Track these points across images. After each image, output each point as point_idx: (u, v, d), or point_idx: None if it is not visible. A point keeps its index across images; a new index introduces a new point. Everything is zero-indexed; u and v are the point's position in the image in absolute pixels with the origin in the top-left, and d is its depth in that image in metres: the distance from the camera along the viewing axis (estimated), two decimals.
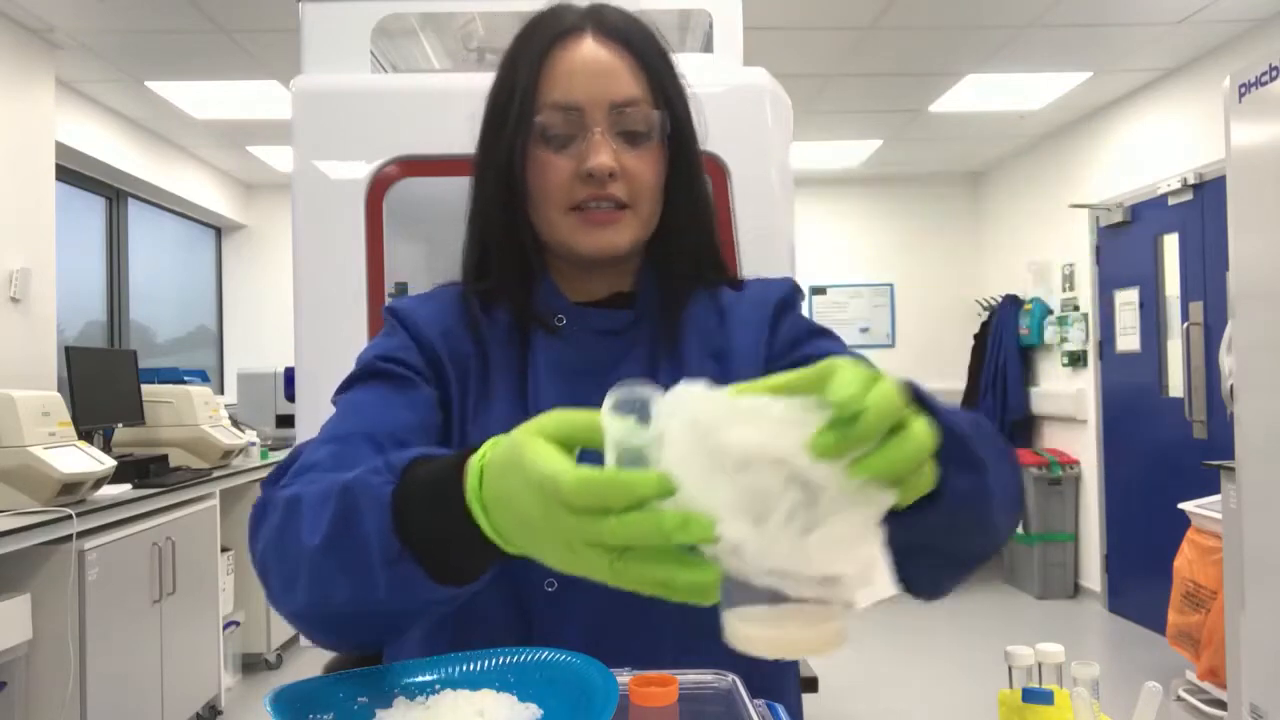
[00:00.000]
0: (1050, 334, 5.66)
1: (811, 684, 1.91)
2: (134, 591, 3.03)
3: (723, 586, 0.49)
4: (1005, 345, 5.97)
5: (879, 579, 0.49)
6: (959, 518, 0.66)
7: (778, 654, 0.51)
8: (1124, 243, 5.01)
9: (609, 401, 0.53)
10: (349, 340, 1.83)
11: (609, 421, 0.52)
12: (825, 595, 0.49)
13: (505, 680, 0.78)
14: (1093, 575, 5.36)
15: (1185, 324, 4.36)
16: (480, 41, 2.32)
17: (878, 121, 5.40)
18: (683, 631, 0.83)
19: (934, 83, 4.69)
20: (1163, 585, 3.73)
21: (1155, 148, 4.71)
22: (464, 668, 0.81)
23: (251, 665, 4.20)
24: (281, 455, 4.35)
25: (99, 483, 2.89)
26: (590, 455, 0.53)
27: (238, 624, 4.03)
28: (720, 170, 1.81)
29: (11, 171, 3.70)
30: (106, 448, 3.54)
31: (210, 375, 5.89)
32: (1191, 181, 4.35)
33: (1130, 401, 5.01)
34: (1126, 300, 5.02)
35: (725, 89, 1.88)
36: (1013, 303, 6.04)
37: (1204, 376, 4.22)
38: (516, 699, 0.74)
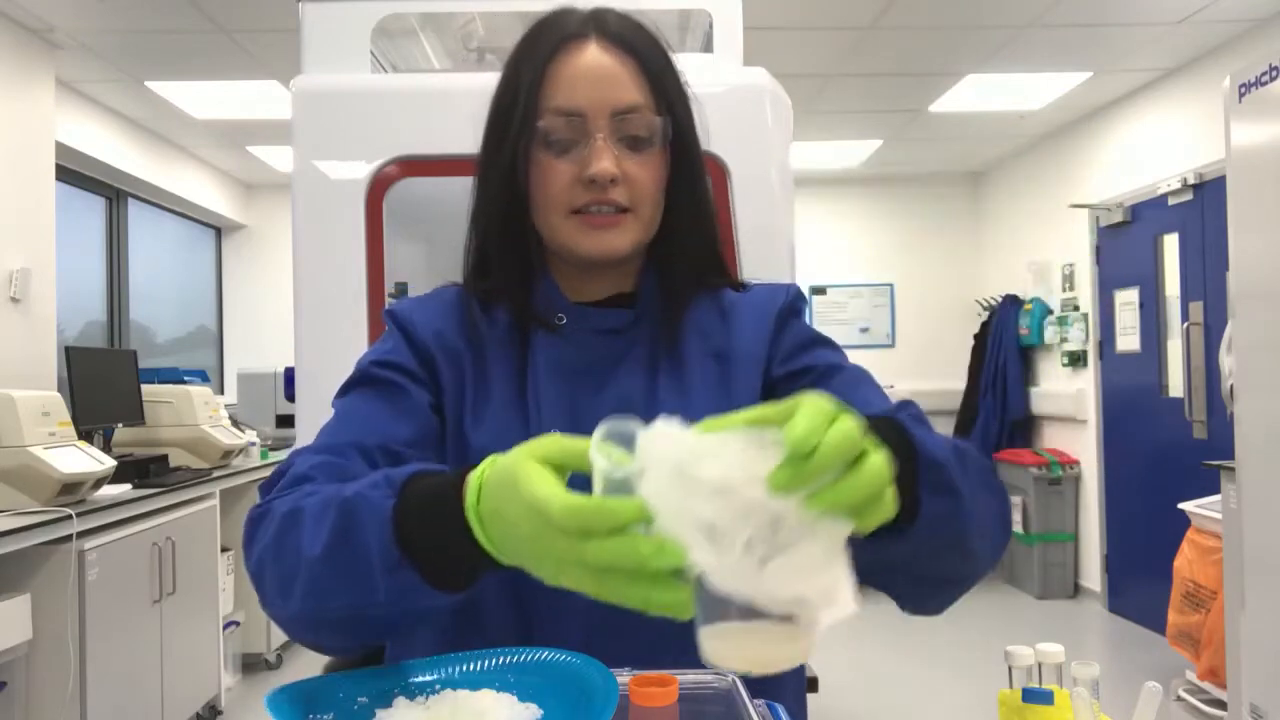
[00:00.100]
0: (1050, 334, 5.66)
1: (811, 684, 1.91)
2: (134, 591, 3.03)
3: (697, 603, 0.54)
4: (1005, 345, 5.97)
5: (841, 599, 0.52)
6: (934, 541, 0.70)
7: (745, 669, 0.56)
8: (1124, 243, 5.02)
9: (598, 433, 0.58)
10: (349, 340, 1.83)
11: (596, 455, 0.57)
12: (790, 614, 0.53)
13: (505, 680, 0.78)
14: (1093, 575, 5.36)
15: (1185, 324, 4.36)
16: (480, 41, 2.32)
17: (878, 121, 5.40)
18: (683, 631, 0.83)
19: (934, 83, 4.69)
20: (1163, 585, 3.73)
21: (1155, 148, 4.71)
22: (464, 668, 0.81)
23: (251, 665, 4.20)
24: (281, 455, 4.37)
25: (99, 483, 2.89)
26: (580, 479, 0.59)
27: (238, 624, 4.03)
28: (720, 170, 1.81)
29: (11, 171, 3.70)
30: (106, 448, 3.54)
31: (210, 375, 5.89)
32: (1191, 181, 4.35)
33: (1130, 401, 5.01)
34: (1126, 300, 5.02)
35: (725, 89, 1.88)
36: (1013, 303, 6.04)
37: (1204, 376, 4.22)
38: (516, 699, 0.74)
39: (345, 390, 0.94)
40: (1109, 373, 5.20)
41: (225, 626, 3.82)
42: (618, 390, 0.95)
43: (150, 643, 3.12)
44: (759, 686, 0.77)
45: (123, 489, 3.11)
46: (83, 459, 2.80)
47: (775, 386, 0.96)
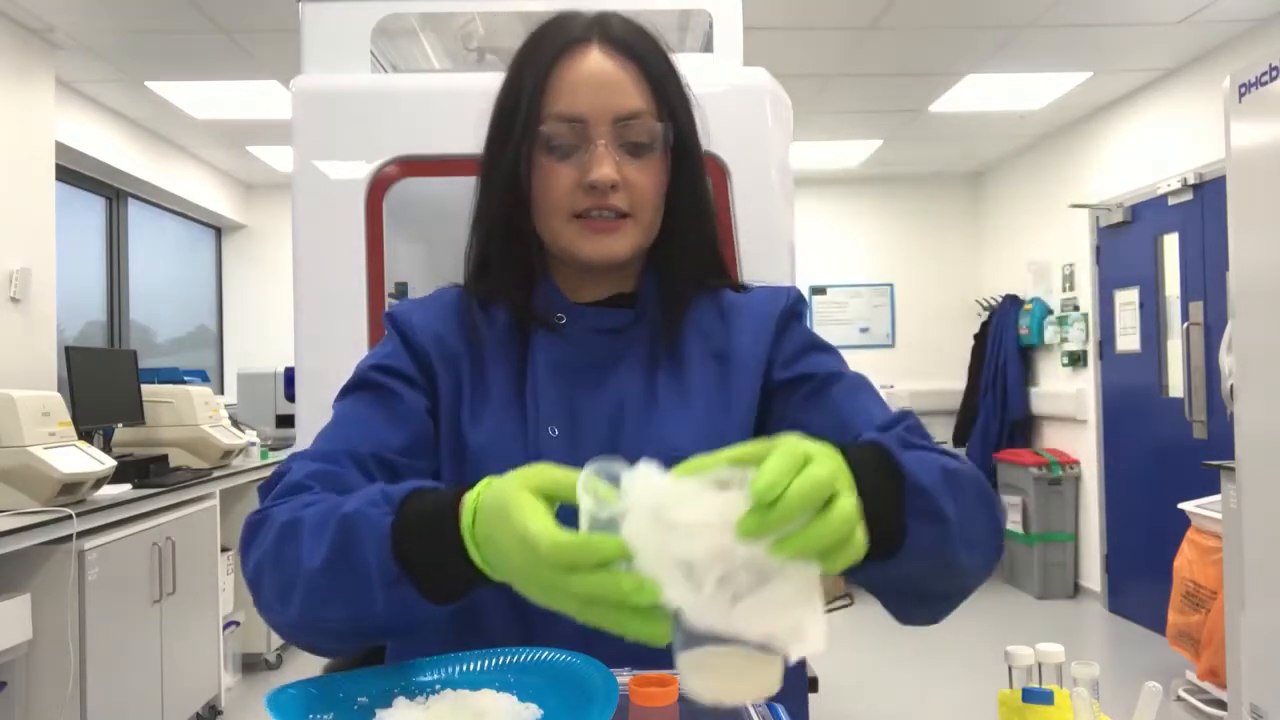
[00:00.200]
0: (1050, 334, 5.66)
1: (812, 684, 1.91)
2: (134, 591, 3.03)
3: (676, 634, 0.57)
4: (1005, 345, 5.97)
5: (811, 637, 0.55)
6: (922, 565, 0.72)
7: (716, 699, 0.58)
8: (1124, 243, 5.02)
9: (585, 472, 0.62)
10: (349, 340, 1.83)
11: (582, 494, 0.61)
12: (760, 647, 0.56)
13: (505, 680, 0.78)
14: (1093, 575, 5.36)
15: (1185, 324, 4.36)
16: (480, 41, 2.32)
17: (878, 121, 5.40)
18: None
19: (934, 83, 4.69)
20: (1163, 585, 3.73)
21: (1155, 148, 4.71)
22: (464, 668, 0.81)
23: (251, 665, 4.20)
24: (281, 455, 4.37)
25: (99, 483, 2.89)
26: (568, 510, 0.63)
27: (238, 624, 4.03)
28: (720, 170, 1.81)
29: (11, 171, 3.70)
30: (106, 448, 3.54)
31: (210, 375, 5.89)
32: (1191, 181, 4.35)
33: (1130, 401, 5.01)
34: (1126, 300, 5.02)
35: (725, 89, 1.88)
36: (1013, 303, 6.04)
37: (1204, 376, 4.22)
38: (516, 699, 0.74)
39: (344, 394, 0.96)
40: (1109, 373, 5.20)
41: (225, 626, 3.82)
42: (616, 389, 0.95)
43: (150, 643, 3.12)
44: None
45: (123, 489, 3.11)
46: (83, 459, 2.80)
47: (775, 391, 0.96)
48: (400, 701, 0.74)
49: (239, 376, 5.35)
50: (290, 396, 1.99)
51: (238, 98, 4.69)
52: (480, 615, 0.88)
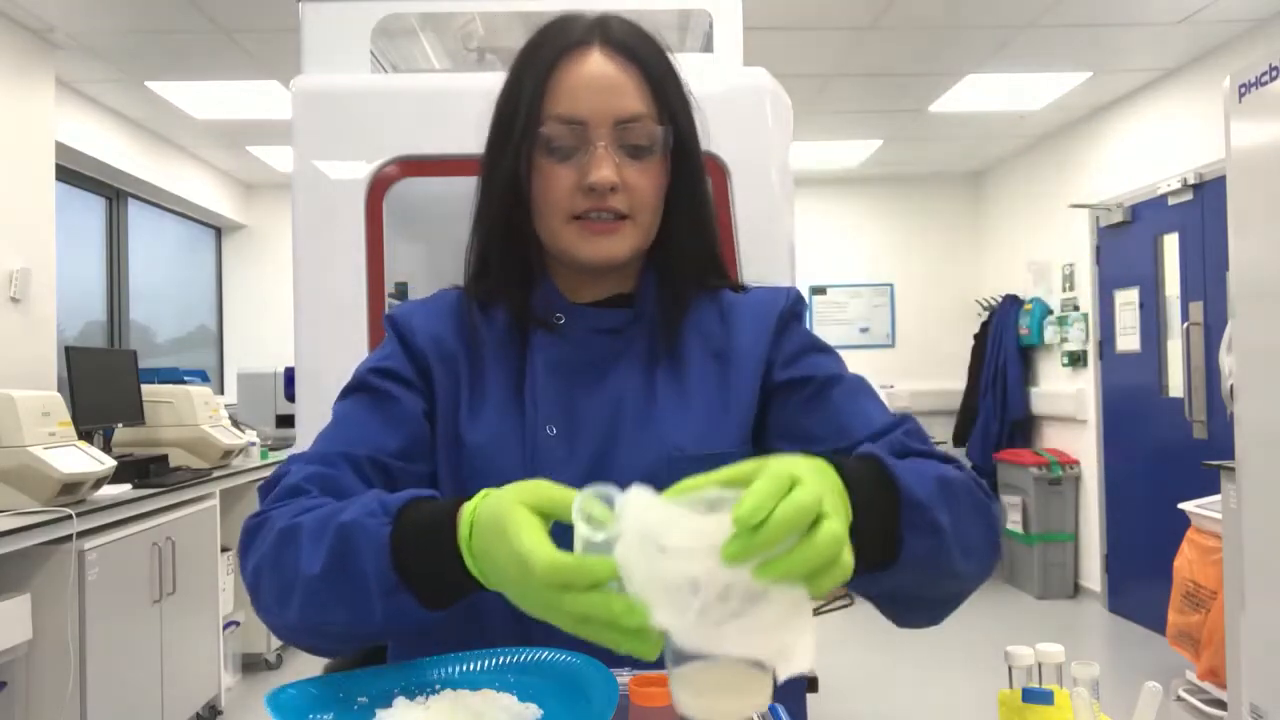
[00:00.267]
0: (1050, 334, 5.66)
1: (812, 684, 1.91)
2: (134, 591, 3.03)
3: (667, 652, 0.58)
4: (1005, 345, 5.97)
5: (798, 658, 0.56)
6: (919, 575, 0.73)
7: (708, 716, 0.60)
8: (1124, 243, 5.02)
9: (580, 496, 0.63)
10: (349, 340, 1.83)
11: (577, 519, 0.62)
12: (748, 665, 0.57)
13: (505, 680, 0.78)
14: (1093, 575, 5.36)
15: (1185, 324, 4.36)
16: (480, 41, 2.32)
17: (878, 121, 5.40)
18: None
19: (934, 83, 4.69)
20: (1163, 585, 3.73)
21: (1155, 148, 4.71)
22: (464, 668, 0.81)
23: (251, 665, 4.20)
24: (281, 455, 4.37)
25: (99, 483, 2.89)
26: (563, 527, 0.64)
27: (238, 624, 4.03)
28: (720, 170, 1.81)
29: (11, 171, 3.70)
30: (106, 448, 3.54)
31: (210, 375, 5.89)
32: (1191, 181, 4.35)
33: (1130, 401, 5.01)
34: (1126, 300, 5.02)
35: (725, 89, 1.88)
36: (1013, 303, 6.04)
37: (1204, 376, 4.22)
38: (516, 699, 0.74)
39: (343, 396, 0.97)
40: (1109, 373, 5.20)
41: (225, 626, 3.82)
42: (615, 389, 0.95)
43: (150, 643, 3.12)
44: None
45: (123, 489, 3.11)
46: (83, 459, 2.80)
47: (775, 392, 0.96)
48: (400, 701, 0.74)
49: (239, 376, 5.35)
50: (290, 396, 1.99)
51: (238, 98, 4.69)
52: (481, 615, 0.88)
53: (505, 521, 0.64)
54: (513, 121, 0.94)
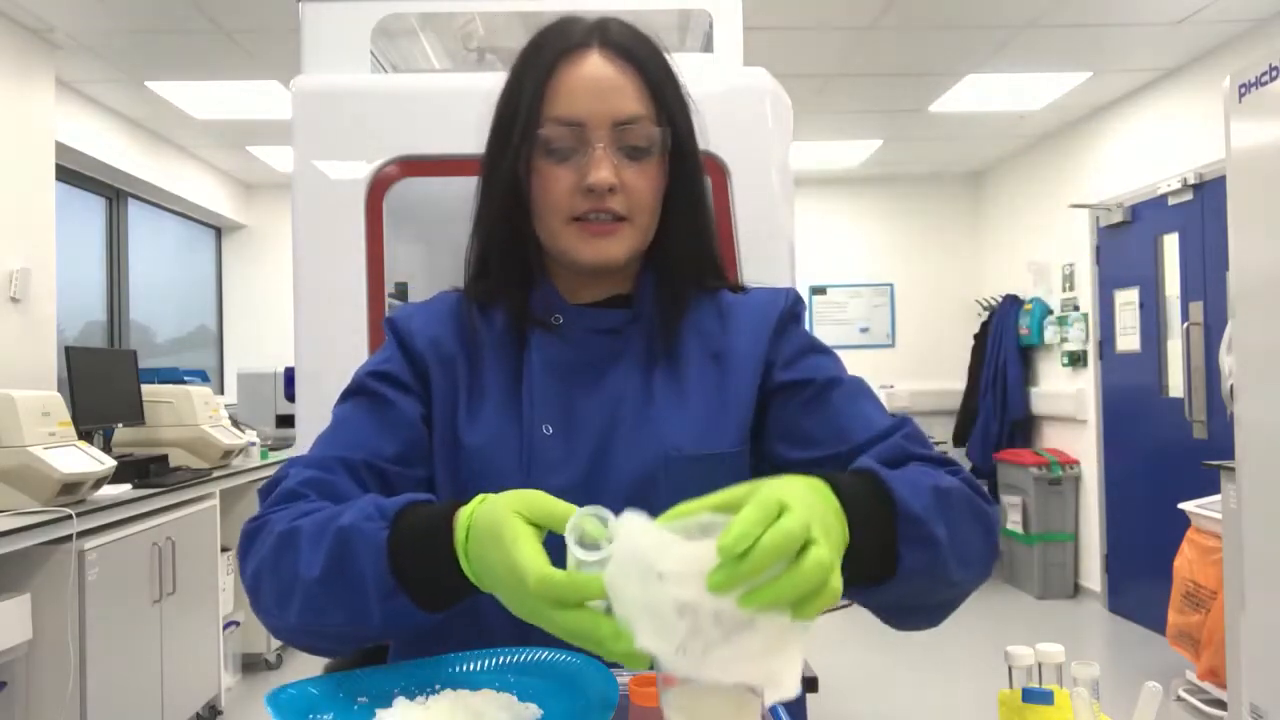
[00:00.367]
0: (1050, 334, 5.66)
1: (812, 684, 1.91)
2: (134, 591, 3.03)
3: (657, 668, 0.59)
4: (1005, 345, 5.97)
5: (785, 683, 0.56)
6: (916, 586, 0.74)
7: None
8: (1124, 243, 5.02)
9: (575, 517, 0.65)
10: (349, 340, 1.83)
11: (571, 544, 0.64)
12: (737, 688, 0.58)
13: (505, 680, 0.78)
14: (1093, 575, 5.36)
15: (1185, 324, 4.36)
16: (480, 41, 2.32)
17: (878, 121, 5.40)
18: None
19: (934, 83, 4.69)
20: (1163, 585, 3.73)
21: (1155, 148, 4.71)
22: (464, 668, 0.81)
23: (251, 665, 4.20)
24: (281, 455, 4.37)
25: (99, 483, 2.89)
26: (555, 538, 0.66)
27: (238, 624, 4.03)
28: (720, 170, 1.81)
29: (11, 171, 3.70)
30: (106, 448, 3.54)
31: (210, 375, 5.89)
32: (1191, 181, 4.35)
33: (1130, 401, 5.01)
34: (1126, 300, 5.02)
35: (725, 89, 1.88)
36: (1013, 303, 6.04)
37: (1204, 376, 4.22)
38: (516, 699, 0.74)
39: (342, 399, 0.98)
40: (1109, 373, 5.20)
41: (225, 626, 3.82)
42: (613, 388, 0.95)
43: (150, 643, 3.12)
44: None
45: (123, 489, 3.11)
46: (83, 459, 2.80)
47: (774, 393, 0.97)
48: (400, 701, 0.74)
49: (239, 376, 5.35)
50: (290, 396, 1.99)
51: (238, 98, 4.69)
52: (481, 616, 0.88)
53: (501, 530, 0.66)
54: (512, 123, 0.94)
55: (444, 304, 1.03)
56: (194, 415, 3.82)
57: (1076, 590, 5.49)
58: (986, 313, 6.33)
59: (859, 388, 0.96)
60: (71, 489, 2.73)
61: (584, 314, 0.98)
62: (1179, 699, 3.62)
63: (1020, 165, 6.16)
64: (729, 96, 1.87)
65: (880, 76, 4.59)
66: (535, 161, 0.93)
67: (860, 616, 0.69)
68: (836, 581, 0.58)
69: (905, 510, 0.72)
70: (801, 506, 0.58)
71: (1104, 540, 5.24)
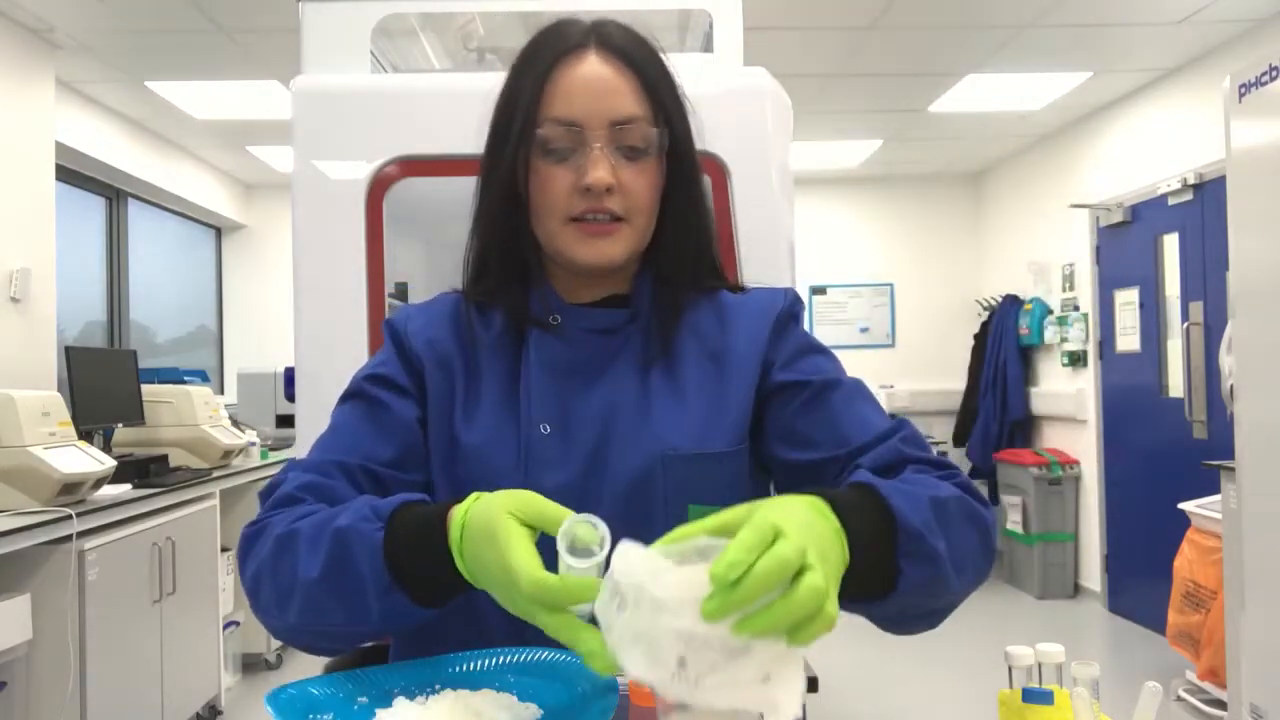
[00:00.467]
0: (1050, 334, 5.66)
1: (811, 684, 1.91)
2: (134, 591, 3.03)
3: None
4: (1005, 345, 5.97)
5: (783, 709, 0.55)
6: (915, 599, 0.75)
7: None
8: (1124, 243, 5.02)
9: (566, 524, 0.66)
10: (349, 340, 1.83)
11: (562, 549, 0.65)
12: (732, 714, 0.57)
13: (505, 680, 0.78)
14: (1093, 575, 5.36)
15: (1185, 324, 4.36)
16: (480, 41, 2.32)
17: (878, 121, 5.40)
18: None
19: (934, 83, 4.69)
20: (1163, 585, 3.73)
21: (1155, 148, 4.71)
22: (464, 667, 0.81)
23: (251, 665, 4.20)
24: (281, 455, 4.37)
25: (99, 483, 2.89)
26: (549, 539, 0.67)
27: (238, 624, 4.03)
28: (720, 170, 1.81)
29: (11, 171, 3.70)
30: (106, 448, 3.54)
31: (210, 375, 5.89)
32: (1191, 181, 4.35)
33: (1130, 401, 5.01)
34: (1126, 300, 5.02)
35: (725, 89, 1.88)
36: (1013, 303, 6.04)
37: (1204, 376, 4.22)
38: (516, 699, 0.74)
39: (341, 402, 0.99)
40: (1109, 373, 5.20)
41: (225, 626, 3.82)
42: (610, 388, 0.95)
43: (150, 643, 3.12)
44: None
45: (123, 489, 3.11)
46: (83, 459, 2.80)
47: (773, 394, 0.97)
48: (400, 701, 0.74)
49: (239, 376, 5.35)
50: (290, 396, 1.99)
51: (238, 98, 4.69)
52: (480, 615, 0.88)
53: (495, 529, 0.68)
54: (510, 124, 0.95)
55: (443, 305, 1.03)
56: (194, 415, 3.82)
57: (1076, 590, 5.49)
58: (986, 313, 6.33)
59: (857, 390, 0.96)
60: (71, 489, 2.73)
61: (582, 314, 0.99)
62: (1179, 699, 3.62)
63: (1020, 165, 6.16)
64: (729, 96, 1.87)
65: (880, 76, 4.59)
66: (533, 162, 0.94)
67: (860, 616, 0.69)
68: (832, 608, 0.57)
69: (905, 526, 0.72)
70: (797, 531, 0.58)
71: (1104, 540, 5.24)
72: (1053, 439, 5.78)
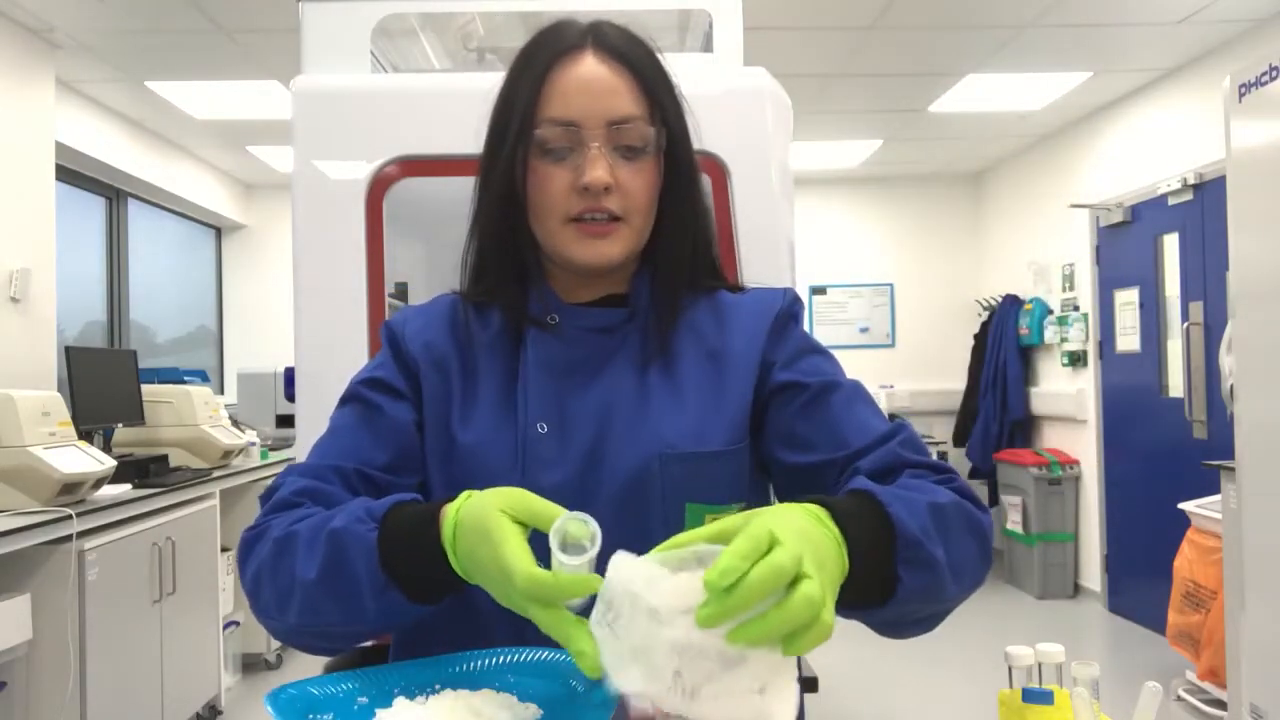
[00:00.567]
0: (1050, 334, 5.66)
1: (811, 684, 1.91)
2: (134, 591, 3.03)
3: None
4: (1005, 345, 5.97)
5: (779, 717, 0.55)
6: (914, 604, 0.75)
7: None
8: (1124, 243, 5.02)
9: (558, 522, 0.66)
10: (349, 340, 1.83)
11: (555, 548, 0.65)
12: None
13: (505, 680, 0.78)
14: (1093, 575, 5.36)
15: (1185, 324, 4.36)
16: (480, 41, 2.32)
17: (878, 121, 5.40)
18: None
19: (934, 83, 4.69)
20: (1163, 585, 3.73)
21: (1155, 148, 4.71)
22: (464, 667, 0.81)
23: (251, 665, 4.20)
24: (282, 455, 4.37)
25: (99, 483, 2.89)
26: (541, 535, 0.68)
27: (238, 624, 4.03)
28: (720, 170, 1.81)
29: (11, 171, 3.70)
30: (106, 448, 3.54)
31: (210, 375, 5.89)
32: (1191, 181, 4.35)
33: (1130, 401, 5.01)
34: (1126, 300, 5.02)
35: (725, 89, 1.88)
36: (1013, 303, 6.04)
37: (1204, 376, 4.22)
38: (516, 699, 0.74)
39: (340, 405, 1.00)
40: (1109, 373, 5.20)
41: (225, 626, 3.82)
42: (608, 387, 0.96)
43: (150, 643, 3.12)
44: None
45: (123, 489, 3.11)
46: (83, 459, 2.80)
47: (772, 394, 0.97)
48: (400, 701, 0.74)
49: (239, 376, 5.35)
50: (290, 396, 1.99)
51: (238, 98, 4.69)
52: (479, 615, 0.88)
53: (488, 527, 0.69)
54: (508, 125, 0.95)
55: (440, 306, 1.04)
56: (194, 415, 3.82)
57: (1076, 590, 5.49)
58: (986, 313, 6.33)
59: (856, 392, 0.96)
60: (71, 489, 2.73)
61: (580, 313, 0.99)
62: (1179, 699, 3.62)
63: (1020, 165, 6.16)
64: (729, 96, 1.87)
65: (880, 76, 4.59)
66: (531, 162, 0.94)
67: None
68: (829, 617, 0.57)
69: (904, 533, 0.72)
70: (794, 539, 0.58)
71: (1104, 540, 5.24)
72: (1053, 439, 5.78)
